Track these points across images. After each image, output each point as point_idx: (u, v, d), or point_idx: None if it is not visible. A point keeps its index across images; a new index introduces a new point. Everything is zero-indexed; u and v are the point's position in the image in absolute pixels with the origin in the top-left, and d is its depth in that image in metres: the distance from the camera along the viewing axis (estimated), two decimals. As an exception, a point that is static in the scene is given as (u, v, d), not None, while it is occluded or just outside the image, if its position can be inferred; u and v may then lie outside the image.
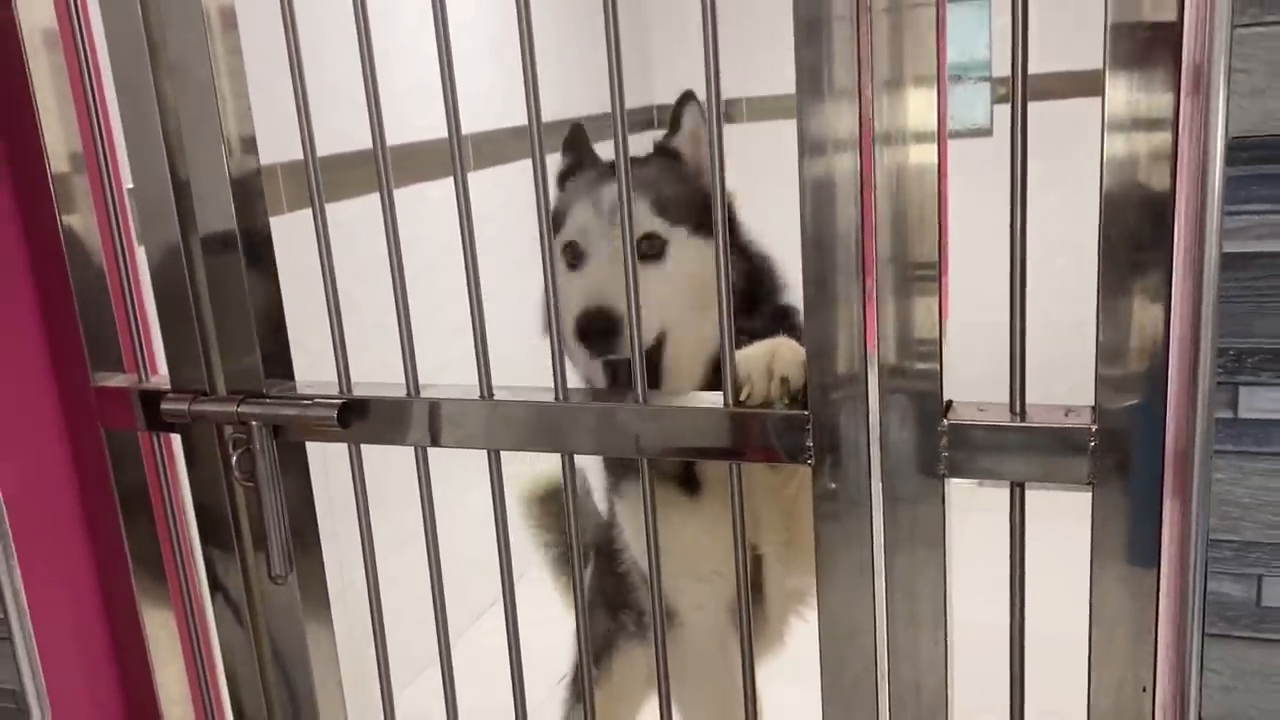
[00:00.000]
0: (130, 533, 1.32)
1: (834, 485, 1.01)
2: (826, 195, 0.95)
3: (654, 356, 1.32)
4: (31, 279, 1.29)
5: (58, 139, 1.26)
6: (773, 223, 1.41)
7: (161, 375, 1.28)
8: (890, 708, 1.06)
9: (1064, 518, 1.43)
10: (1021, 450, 0.94)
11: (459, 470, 1.35)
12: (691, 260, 1.35)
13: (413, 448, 1.18)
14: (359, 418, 1.17)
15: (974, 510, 2.50)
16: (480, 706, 1.64)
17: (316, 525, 1.29)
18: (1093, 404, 0.92)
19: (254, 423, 1.18)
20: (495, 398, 1.13)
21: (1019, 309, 0.94)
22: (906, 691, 1.05)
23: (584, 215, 1.36)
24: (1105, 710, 0.98)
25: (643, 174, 1.39)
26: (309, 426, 1.18)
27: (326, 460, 1.32)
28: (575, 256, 1.36)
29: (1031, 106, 0.89)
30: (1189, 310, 0.81)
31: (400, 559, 1.59)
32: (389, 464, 1.33)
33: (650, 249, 1.34)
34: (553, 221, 1.40)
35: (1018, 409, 0.96)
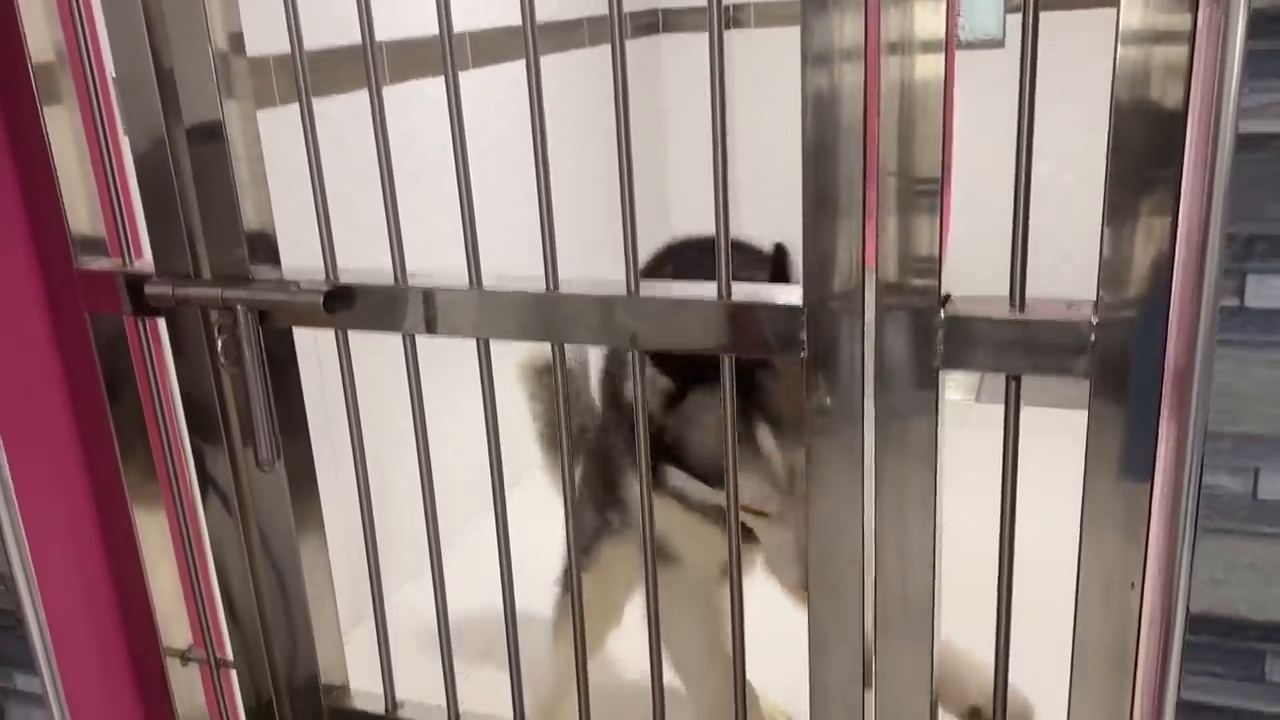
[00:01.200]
0: (117, 418, 1.31)
1: (826, 380, 1.00)
2: (829, 105, 0.92)
3: None
4: (13, 163, 1.25)
5: (39, 24, 1.22)
6: (777, 135, 1.37)
7: (146, 260, 1.26)
8: (875, 612, 1.06)
9: (1059, 436, 1.42)
10: (1019, 342, 0.92)
11: (457, 373, 1.33)
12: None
13: (402, 337, 1.16)
14: (346, 306, 1.15)
15: (967, 427, 2.49)
16: (477, 605, 1.65)
17: (305, 415, 1.28)
18: (1095, 299, 0.90)
19: (239, 307, 1.16)
20: (485, 287, 1.11)
21: (1023, 196, 0.91)
22: (894, 597, 1.04)
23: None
24: (1092, 609, 0.97)
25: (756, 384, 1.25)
26: (295, 312, 1.16)
27: (320, 353, 1.30)
28: None
29: (1045, 17, 0.85)
30: (1199, 195, 0.78)
31: (395, 459, 1.58)
32: (384, 366, 1.31)
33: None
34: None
35: (1017, 301, 0.93)
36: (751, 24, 3.78)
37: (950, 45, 0.89)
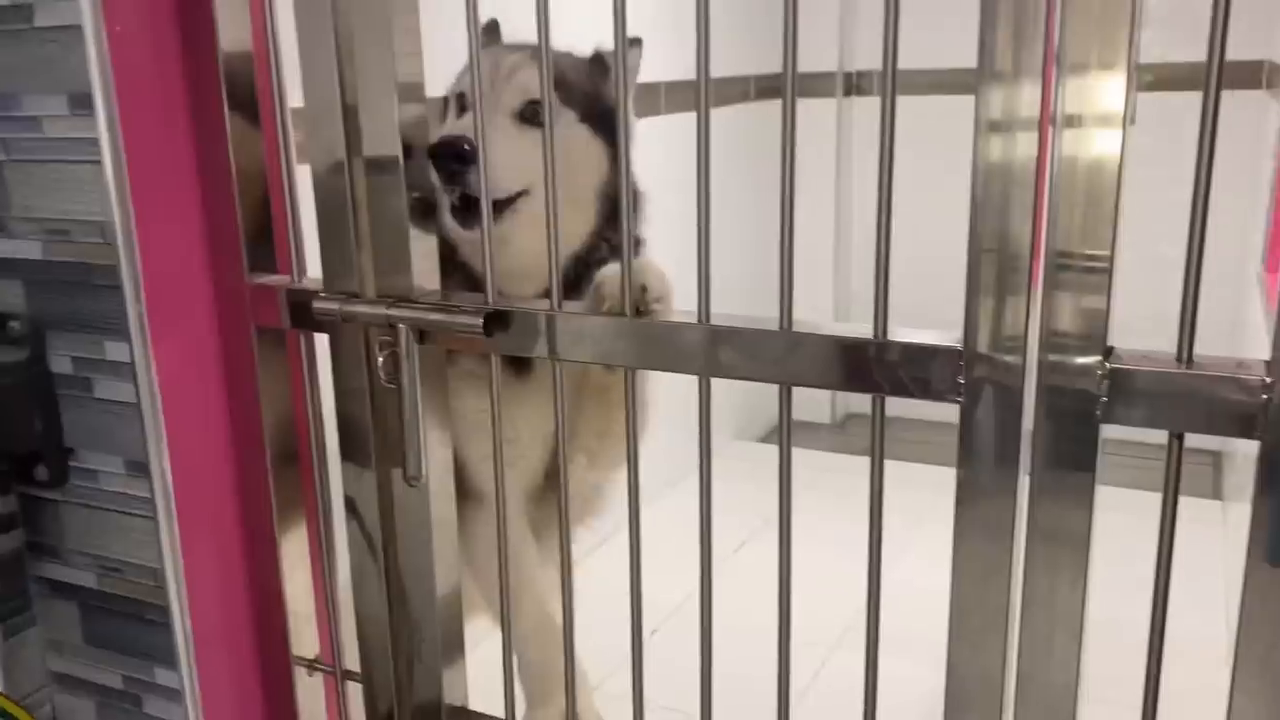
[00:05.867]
0: (269, 428, 1.37)
1: (981, 427, 1.00)
2: (999, 178, 0.94)
3: (503, 207, 1.43)
4: (197, 178, 1.33)
5: (234, 59, 1.30)
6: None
7: (311, 280, 1.32)
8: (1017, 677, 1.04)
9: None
10: (1186, 398, 0.91)
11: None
12: (568, 141, 1.44)
13: (551, 363, 1.20)
14: (501, 328, 1.20)
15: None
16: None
17: (450, 432, 1.32)
18: (1267, 358, 0.89)
19: (401, 325, 1.21)
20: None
21: (1197, 250, 0.91)
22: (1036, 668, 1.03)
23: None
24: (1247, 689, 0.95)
25: (562, 59, 1.50)
26: (454, 332, 1.21)
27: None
28: (461, 108, 1.51)
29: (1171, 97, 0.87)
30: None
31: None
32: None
33: (533, 115, 1.46)
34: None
35: (1184, 357, 0.93)
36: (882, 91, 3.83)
37: (1125, 122, 0.91)
